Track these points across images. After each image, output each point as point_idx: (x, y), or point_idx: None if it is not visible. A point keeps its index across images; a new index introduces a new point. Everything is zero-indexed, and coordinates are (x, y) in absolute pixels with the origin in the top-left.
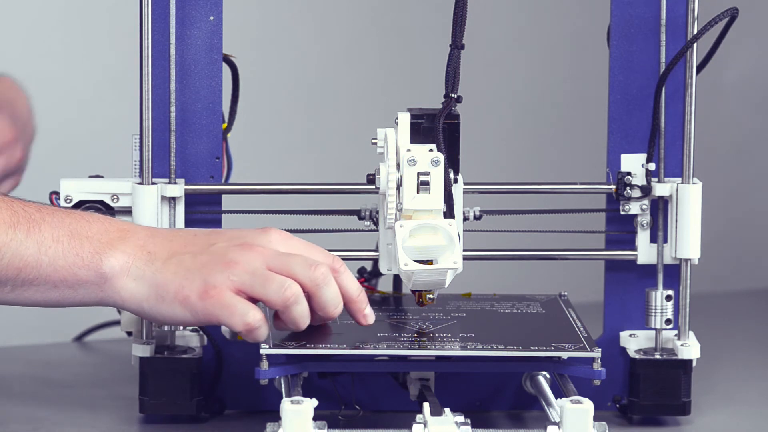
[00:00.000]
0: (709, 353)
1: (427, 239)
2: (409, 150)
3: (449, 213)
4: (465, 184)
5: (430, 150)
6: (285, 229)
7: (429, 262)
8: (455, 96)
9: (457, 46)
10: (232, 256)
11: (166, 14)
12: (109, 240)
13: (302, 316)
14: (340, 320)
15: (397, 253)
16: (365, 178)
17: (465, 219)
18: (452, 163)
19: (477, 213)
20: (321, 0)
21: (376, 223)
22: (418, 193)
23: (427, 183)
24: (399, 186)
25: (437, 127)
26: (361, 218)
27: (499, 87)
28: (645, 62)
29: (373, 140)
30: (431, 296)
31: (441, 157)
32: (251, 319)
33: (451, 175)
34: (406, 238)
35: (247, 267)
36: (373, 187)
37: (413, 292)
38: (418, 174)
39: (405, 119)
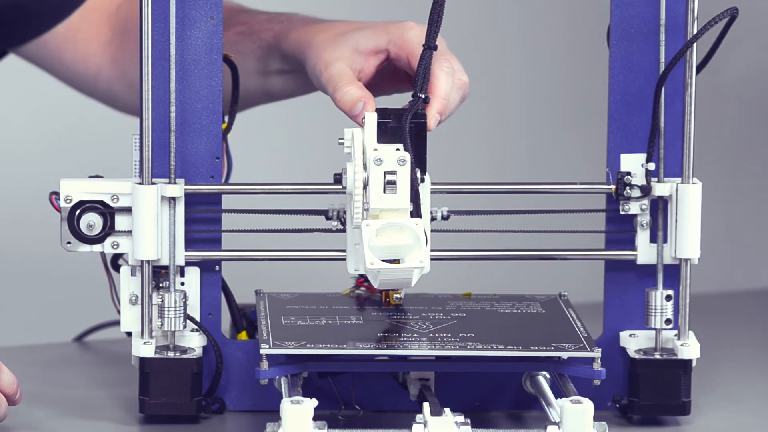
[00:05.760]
0: (709, 353)
1: (394, 238)
2: (375, 149)
3: (416, 212)
4: (463, 183)
5: (397, 149)
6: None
7: (397, 261)
8: (423, 96)
9: (430, 46)
10: None
11: (166, 14)
12: None
13: None
14: (341, 320)
15: (363, 251)
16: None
17: (432, 219)
18: (419, 162)
19: (444, 213)
20: (319, 0)
21: (343, 223)
22: (384, 192)
23: (393, 182)
24: (366, 185)
25: (404, 127)
26: (328, 218)
27: (499, 87)
28: (645, 62)
29: (341, 140)
30: (398, 296)
31: (407, 156)
32: None
33: (418, 174)
34: (372, 237)
35: None
36: (340, 186)
37: (380, 291)
38: (385, 173)
39: (372, 119)
